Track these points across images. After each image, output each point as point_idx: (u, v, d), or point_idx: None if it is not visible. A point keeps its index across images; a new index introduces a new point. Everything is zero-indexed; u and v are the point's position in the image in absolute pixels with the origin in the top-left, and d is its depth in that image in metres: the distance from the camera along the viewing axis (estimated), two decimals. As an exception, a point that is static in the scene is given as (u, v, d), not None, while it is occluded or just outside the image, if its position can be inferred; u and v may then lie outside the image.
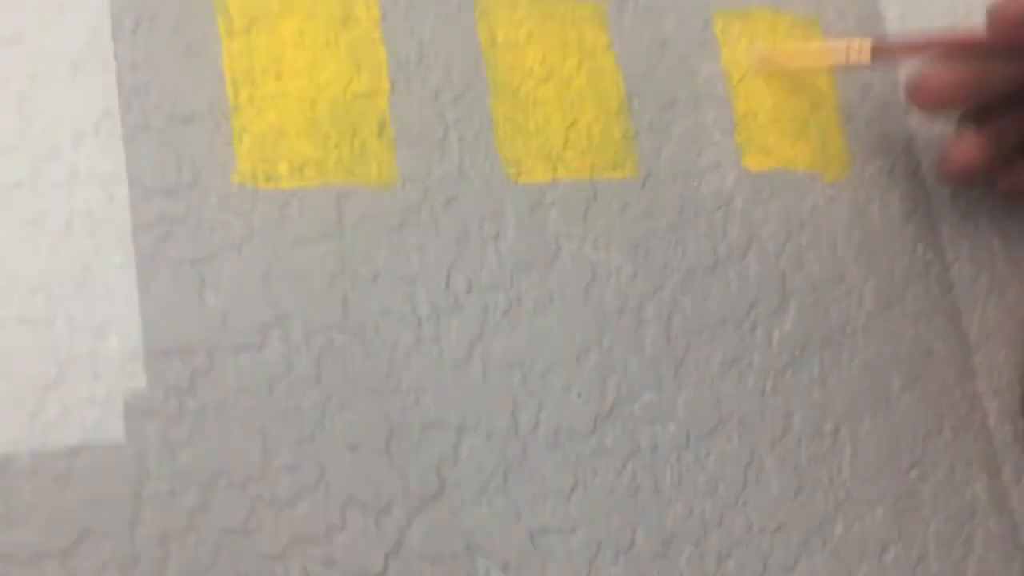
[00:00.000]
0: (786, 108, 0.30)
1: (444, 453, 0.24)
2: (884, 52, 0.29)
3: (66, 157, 0.22)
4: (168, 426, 0.22)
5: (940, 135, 0.32)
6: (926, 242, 0.31)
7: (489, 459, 0.24)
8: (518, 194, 0.26)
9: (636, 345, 0.26)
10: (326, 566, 0.22)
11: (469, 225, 0.25)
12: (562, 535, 0.24)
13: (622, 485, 0.25)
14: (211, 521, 0.21)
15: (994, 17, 0.28)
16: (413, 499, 0.23)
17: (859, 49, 0.29)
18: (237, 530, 0.22)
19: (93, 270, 0.22)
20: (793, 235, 0.29)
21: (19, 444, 0.21)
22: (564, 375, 0.25)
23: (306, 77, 0.25)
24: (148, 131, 0.23)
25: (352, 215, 0.24)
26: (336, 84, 0.25)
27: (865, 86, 0.31)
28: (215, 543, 0.21)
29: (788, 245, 0.29)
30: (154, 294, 0.22)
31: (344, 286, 0.24)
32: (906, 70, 0.31)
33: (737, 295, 0.28)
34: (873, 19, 0.32)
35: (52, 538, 0.20)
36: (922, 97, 0.29)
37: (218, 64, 0.24)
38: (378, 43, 0.26)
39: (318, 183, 0.24)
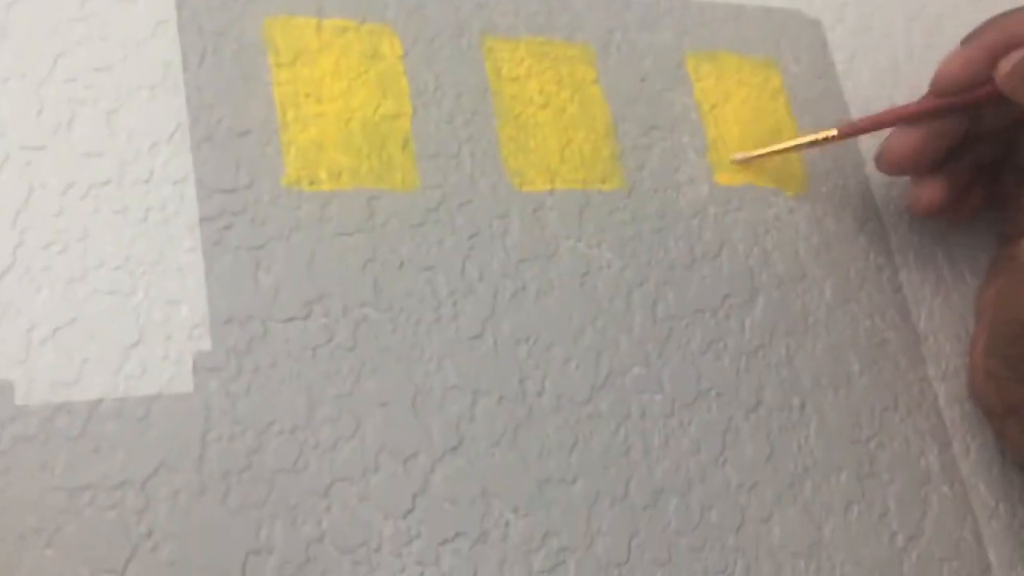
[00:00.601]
0: (751, 135, 0.35)
1: (462, 412, 0.27)
2: (849, 131, 0.34)
3: (145, 161, 0.27)
4: (229, 381, 0.25)
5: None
6: (877, 250, 0.35)
7: (500, 418, 0.28)
8: (521, 200, 0.31)
9: (626, 327, 0.30)
10: (362, 502, 0.26)
11: (480, 224, 0.30)
12: (564, 485, 0.28)
13: (616, 444, 0.29)
14: (265, 461, 0.25)
15: (937, 85, 0.33)
16: (436, 449, 0.27)
17: (827, 134, 0.33)
18: (287, 469, 0.25)
19: (167, 253, 0.26)
20: (760, 239, 0.33)
21: (106, 391, 0.24)
22: (564, 350, 0.29)
23: (341, 101, 0.30)
24: (211, 142, 0.28)
25: (381, 214, 0.29)
26: (367, 107, 0.30)
27: (819, 117, 0.36)
28: (269, 480, 0.25)
29: (756, 248, 0.33)
30: (217, 274, 0.26)
31: (375, 271, 0.28)
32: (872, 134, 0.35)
33: (712, 288, 0.32)
34: (824, 62, 0.37)
35: (132, 469, 0.24)
36: (887, 166, 0.34)
37: (269, 90, 0.29)
38: (401, 75, 0.31)
39: (352, 187, 0.29)
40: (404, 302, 0.28)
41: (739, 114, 0.35)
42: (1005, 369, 0.31)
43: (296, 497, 0.25)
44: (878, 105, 0.37)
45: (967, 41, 0.33)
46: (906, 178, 0.35)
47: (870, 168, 0.37)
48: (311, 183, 0.28)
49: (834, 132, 0.33)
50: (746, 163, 0.34)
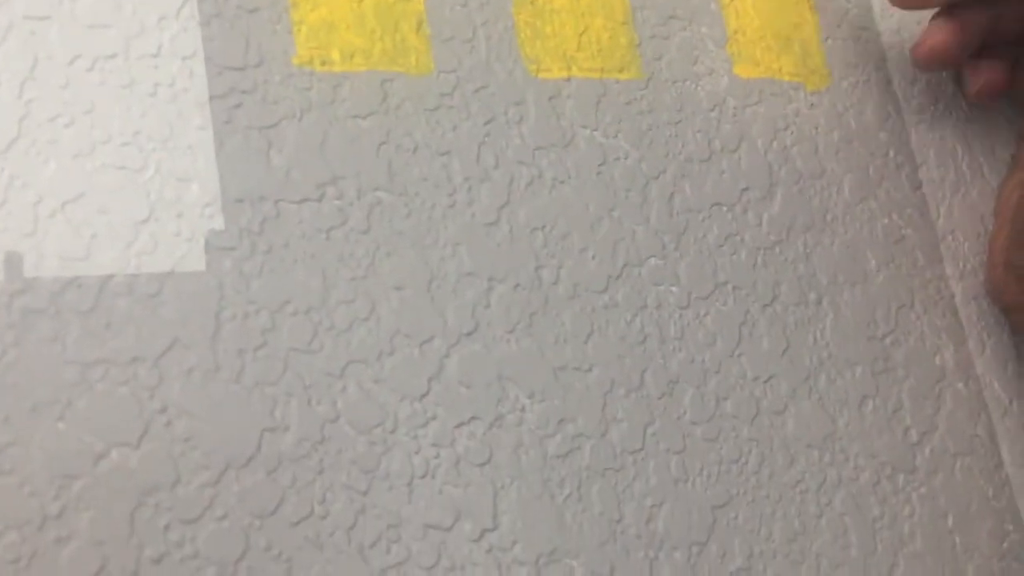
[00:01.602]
0: (771, 27, 0.34)
1: (477, 298, 0.27)
2: None
3: (152, 36, 0.26)
4: (242, 261, 0.25)
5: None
6: (897, 147, 0.35)
7: (516, 306, 0.27)
8: (538, 87, 0.30)
9: (642, 218, 0.30)
10: (377, 384, 0.25)
11: (495, 110, 0.29)
12: (580, 372, 0.28)
13: (632, 334, 0.28)
14: (280, 340, 0.25)
15: None
16: (451, 334, 0.27)
17: None
18: (302, 349, 0.25)
19: (176, 130, 0.26)
20: (779, 134, 0.33)
21: (117, 267, 0.24)
22: (580, 240, 0.29)
23: (354, -20, 0.29)
24: (220, 18, 0.27)
25: (395, 97, 0.28)
26: (379, -13, 0.29)
27: (841, 11, 0.35)
28: (284, 359, 0.25)
29: (775, 143, 0.33)
30: (228, 152, 0.26)
31: (389, 155, 0.27)
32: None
33: (730, 182, 0.31)
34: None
35: (145, 345, 0.24)
36: None
37: (278, -34, 0.28)
38: (415, -45, 0.30)
39: (365, 68, 0.28)
40: (419, 187, 0.27)
41: (760, 6, 0.34)
42: (1025, 264, 0.31)
43: (311, 377, 0.25)
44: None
45: None
46: (929, 76, 0.34)
47: (892, 64, 0.36)
48: (323, 63, 0.28)
49: None
50: None
